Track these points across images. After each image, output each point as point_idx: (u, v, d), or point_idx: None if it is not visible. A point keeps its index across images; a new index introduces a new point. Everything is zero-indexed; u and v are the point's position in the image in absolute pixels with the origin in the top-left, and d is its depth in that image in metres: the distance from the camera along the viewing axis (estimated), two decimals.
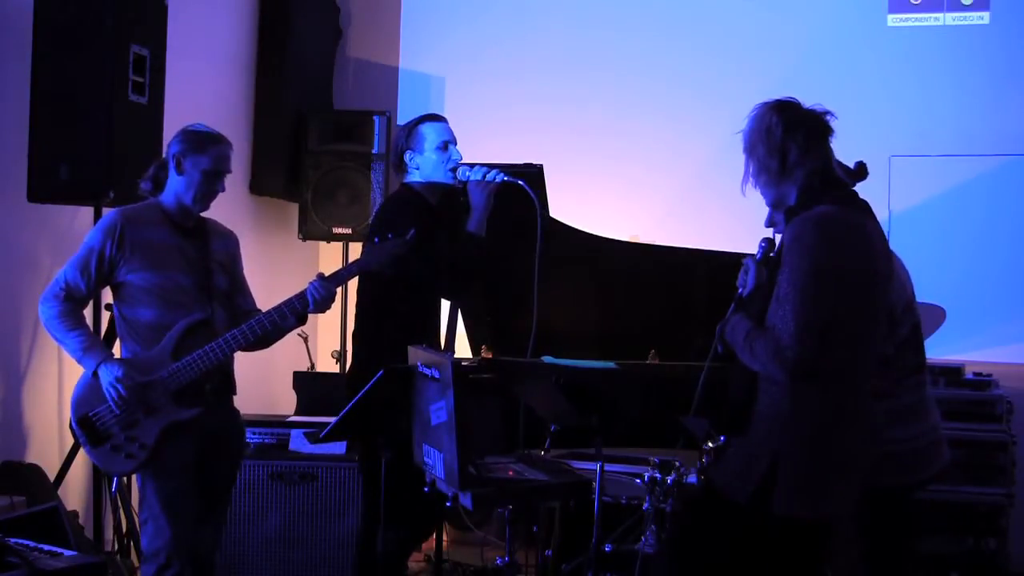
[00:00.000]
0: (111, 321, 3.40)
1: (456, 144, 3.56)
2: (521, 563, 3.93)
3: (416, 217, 3.39)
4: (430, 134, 3.52)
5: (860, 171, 2.95)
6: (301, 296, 3.20)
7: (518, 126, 5.52)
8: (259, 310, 3.33)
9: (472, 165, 3.50)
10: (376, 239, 3.25)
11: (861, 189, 2.89)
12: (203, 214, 3.31)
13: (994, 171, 5.12)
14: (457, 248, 3.44)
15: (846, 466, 2.64)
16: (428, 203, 3.54)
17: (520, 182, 3.44)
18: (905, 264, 3.16)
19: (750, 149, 2.71)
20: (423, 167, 3.53)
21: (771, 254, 2.75)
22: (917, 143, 5.06)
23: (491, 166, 3.52)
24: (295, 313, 3.22)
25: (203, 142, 3.20)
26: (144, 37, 3.85)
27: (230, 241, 3.40)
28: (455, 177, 3.50)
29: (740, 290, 2.77)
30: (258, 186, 5.46)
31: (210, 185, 3.21)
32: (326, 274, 3.25)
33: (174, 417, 3.13)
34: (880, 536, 3.00)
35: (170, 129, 3.84)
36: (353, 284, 3.58)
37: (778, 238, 2.73)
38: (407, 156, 3.54)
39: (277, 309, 3.20)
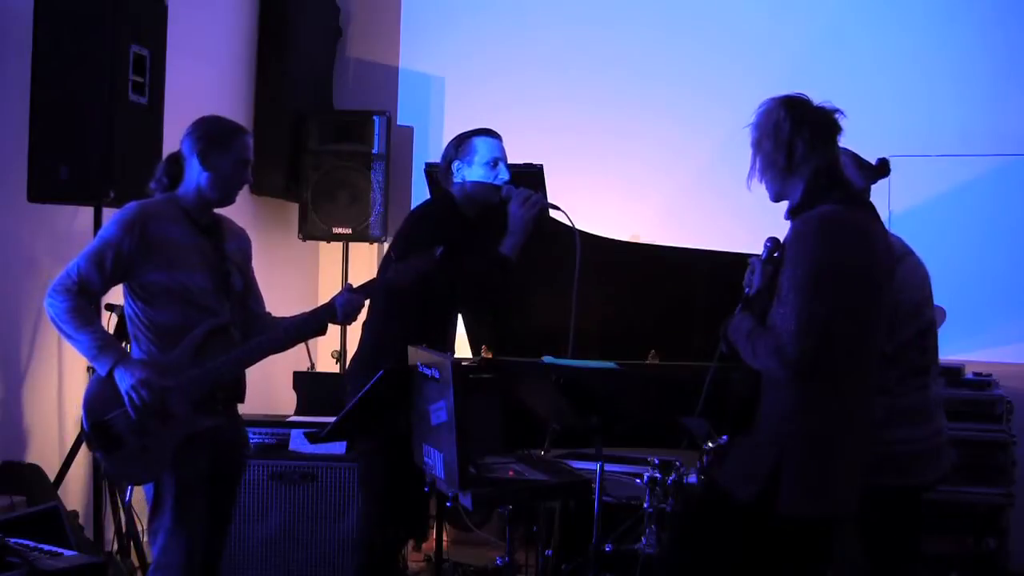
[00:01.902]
0: (120, 322, 3.34)
1: (506, 163, 3.56)
2: (521, 563, 3.94)
3: (451, 232, 3.40)
4: (482, 148, 3.52)
5: (882, 168, 2.96)
6: (329, 307, 3.12)
7: (518, 126, 5.46)
8: (269, 313, 3.29)
9: (518, 187, 3.51)
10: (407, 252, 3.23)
11: None
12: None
13: (995, 171, 5.12)
14: (486, 267, 3.44)
15: (850, 465, 2.64)
16: (465, 216, 3.54)
17: (560, 209, 3.47)
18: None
19: (757, 143, 2.71)
20: (470, 179, 3.53)
21: (775, 254, 2.75)
22: (917, 143, 5.05)
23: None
24: (322, 322, 3.14)
25: (226, 136, 3.09)
26: (144, 37, 3.84)
27: (243, 241, 3.29)
28: (500, 195, 3.51)
29: (747, 289, 2.77)
30: (258, 186, 5.44)
31: (240, 177, 3.11)
32: (354, 286, 3.18)
33: (193, 426, 3.00)
34: (879, 537, 3.00)
35: (170, 129, 3.85)
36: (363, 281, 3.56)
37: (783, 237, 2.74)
38: (454, 165, 3.54)
39: (304, 319, 3.12)
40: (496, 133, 3.59)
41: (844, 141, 2.89)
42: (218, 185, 3.08)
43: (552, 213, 3.62)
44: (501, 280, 3.46)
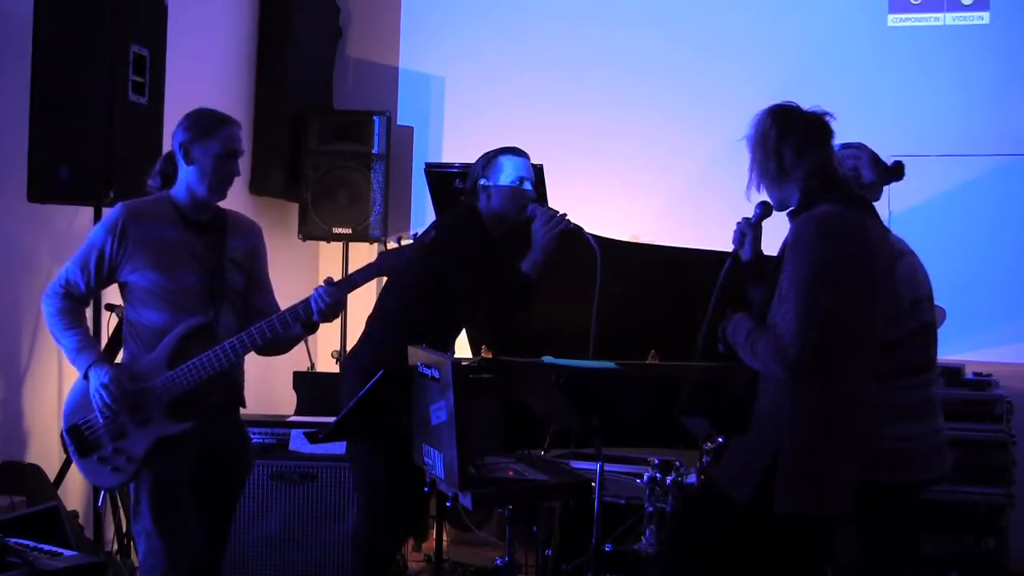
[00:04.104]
0: (119, 324, 3.33)
1: (532, 182, 3.58)
2: (521, 563, 3.94)
3: (478, 248, 3.43)
4: (508, 166, 3.55)
5: (896, 170, 3.00)
6: (305, 304, 2.94)
7: (518, 126, 5.51)
8: (278, 309, 3.13)
9: (542, 205, 3.53)
10: (397, 239, 3.23)
11: None
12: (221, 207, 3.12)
13: (995, 171, 5.12)
14: (506, 285, 3.45)
15: (846, 463, 2.65)
16: (490, 234, 3.56)
17: (583, 229, 3.48)
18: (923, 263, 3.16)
19: (752, 155, 2.77)
20: (495, 197, 3.55)
21: (764, 220, 2.85)
22: (917, 143, 5.05)
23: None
24: (299, 321, 2.96)
25: (210, 125, 2.99)
26: (144, 37, 3.84)
27: (251, 235, 3.17)
28: (524, 214, 3.52)
29: (735, 247, 2.85)
30: (258, 186, 5.46)
31: (225, 170, 2.99)
32: (335, 279, 2.99)
33: (164, 431, 2.93)
34: (879, 534, 3.00)
35: (170, 129, 3.80)
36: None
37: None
38: (480, 183, 3.56)
39: (280, 316, 2.95)
40: (523, 152, 3.61)
41: (845, 140, 2.91)
42: (202, 180, 2.99)
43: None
44: (520, 299, 3.49)
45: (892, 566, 3.08)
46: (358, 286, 3.00)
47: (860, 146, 3.11)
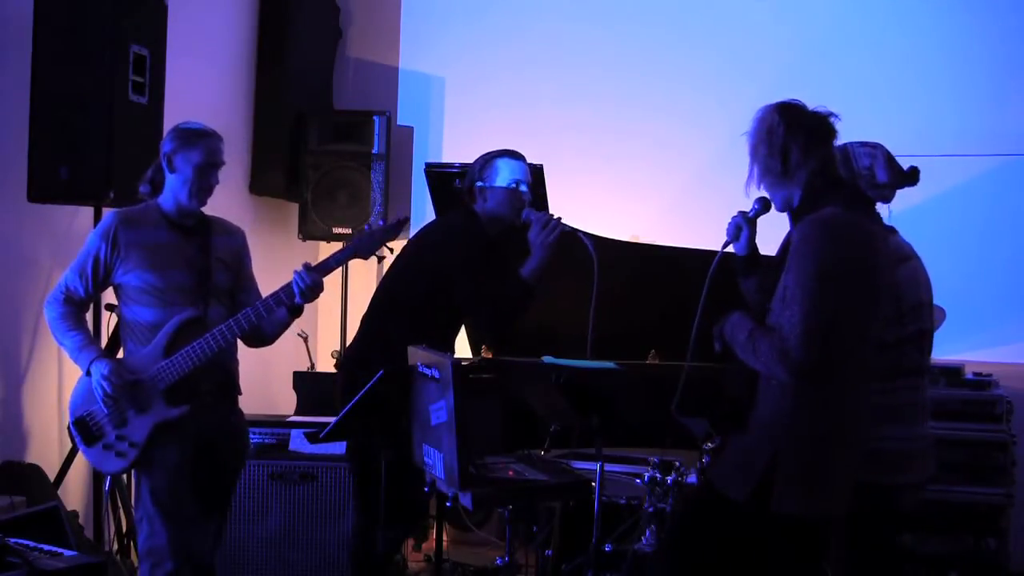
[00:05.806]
0: (118, 324, 3.39)
1: (528, 184, 3.59)
2: (521, 563, 3.94)
3: (476, 248, 3.46)
4: (504, 169, 3.57)
5: (911, 175, 3.00)
6: (287, 287, 3.16)
7: (518, 126, 5.52)
8: None
9: (536, 210, 3.55)
10: (367, 227, 3.28)
11: None
12: (208, 213, 3.30)
13: (994, 171, 5.12)
14: (506, 289, 3.46)
15: (845, 464, 2.65)
16: (488, 236, 3.57)
17: (580, 233, 3.49)
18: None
19: (754, 150, 2.74)
20: (491, 199, 3.56)
21: (761, 215, 2.84)
22: (916, 143, 5.04)
23: None
24: (281, 304, 3.17)
25: (191, 137, 3.19)
26: (144, 37, 3.84)
27: (236, 238, 3.38)
28: (520, 216, 3.54)
29: (728, 239, 2.84)
30: (258, 186, 5.46)
31: (204, 179, 3.19)
32: (312, 264, 3.20)
33: (163, 416, 3.12)
34: (862, 533, 2.99)
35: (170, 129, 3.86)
36: (363, 282, 3.54)
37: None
38: (477, 185, 3.58)
39: (263, 302, 3.18)
40: (520, 155, 3.62)
41: (844, 141, 2.91)
42: (184, 187, 3.18)
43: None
44: (520, 304, 3.50)
45: (874, 567, 3.07)
46: (333, 269, 3.21)
47: (877, 145, 3.08)
